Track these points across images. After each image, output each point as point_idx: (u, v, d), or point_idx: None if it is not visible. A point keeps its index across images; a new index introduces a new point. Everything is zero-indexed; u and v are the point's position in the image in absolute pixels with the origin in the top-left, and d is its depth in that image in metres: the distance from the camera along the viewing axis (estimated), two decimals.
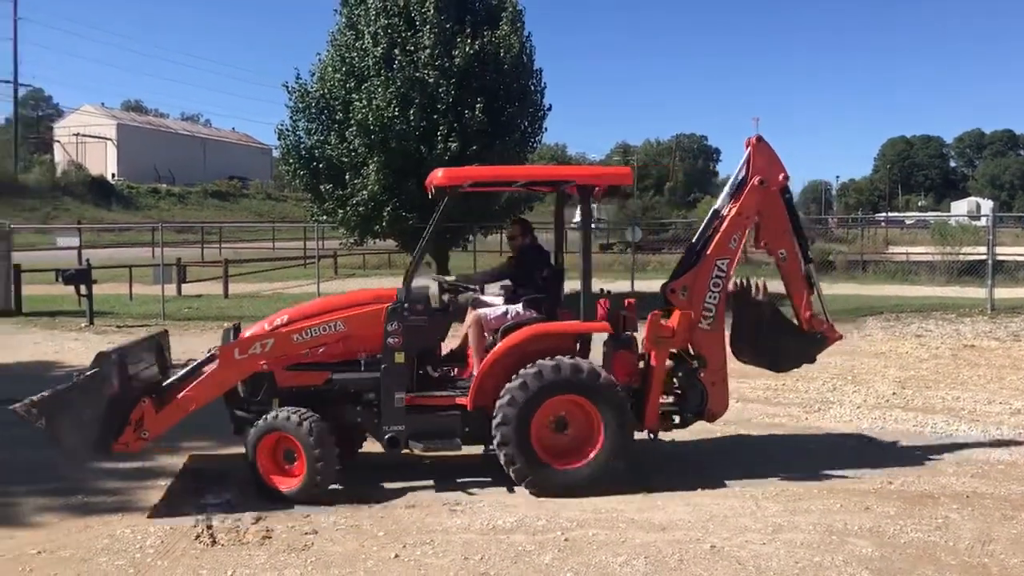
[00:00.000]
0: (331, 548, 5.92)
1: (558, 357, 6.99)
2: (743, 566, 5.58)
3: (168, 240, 26.15)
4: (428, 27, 17.66)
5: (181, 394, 6.99)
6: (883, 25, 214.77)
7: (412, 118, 17.41)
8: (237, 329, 7.54)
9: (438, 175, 7.35)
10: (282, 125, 19.20)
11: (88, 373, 6.62)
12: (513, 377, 6.96)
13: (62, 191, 63.11)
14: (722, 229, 7.65)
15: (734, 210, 7.66)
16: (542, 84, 20.01)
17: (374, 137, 17.61)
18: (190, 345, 14.97)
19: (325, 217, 19.59)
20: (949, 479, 7.39)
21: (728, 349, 7.79)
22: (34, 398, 6.31)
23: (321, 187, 18.76)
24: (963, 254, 27.37)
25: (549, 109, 20.27)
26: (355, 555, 5.80)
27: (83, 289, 18.04)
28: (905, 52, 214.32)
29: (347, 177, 18.22)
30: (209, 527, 6.26)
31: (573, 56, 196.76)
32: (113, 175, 72.79)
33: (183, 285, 24.21)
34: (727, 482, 7.35)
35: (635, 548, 5.86)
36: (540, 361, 6.96)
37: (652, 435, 7.62)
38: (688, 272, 7.62)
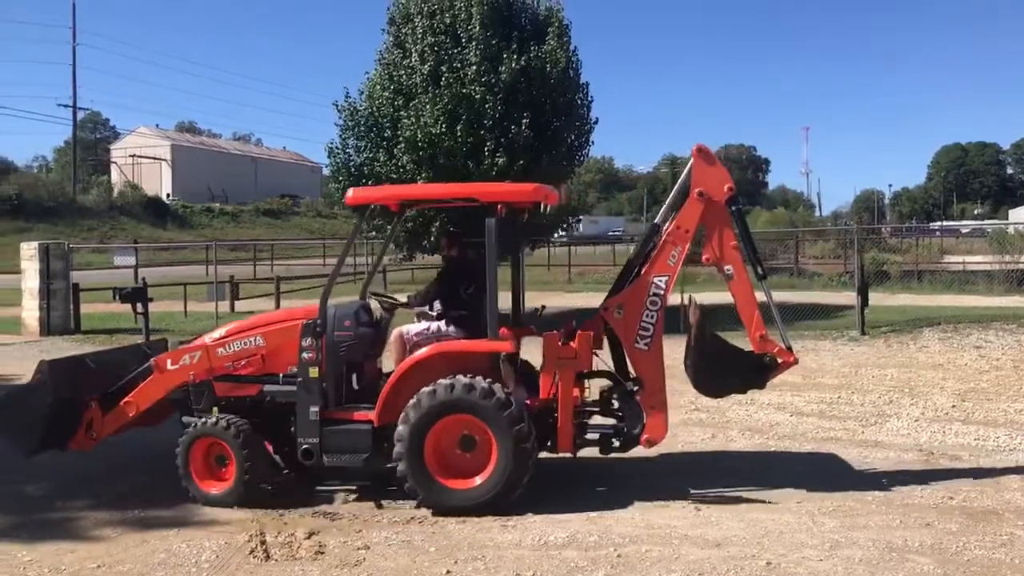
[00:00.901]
0: (383, 564, 5.93)
1: (458, 376, 6.90)
2: None
3: (221, 258, 26.56)
4: (474, 44, 17.74)
5: (124, 400, 7.59)
6: (936, 31, 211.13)
7: (459, 134, 17.48)
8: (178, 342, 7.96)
9: (348, 194, 7.58)
10: (332, 143, 19.41)
11: (30, 380, 7.55)
12: (414, 395, 6.97)
13: (119, 211, 64.56)
14: (660, 244, 7.35)
15: (672, 224, 7.37)
16: (589, 97, 19.97)
17: (422, 154, 17.71)
18: None
19: (374, 233, 19.73)
20: (1013, 494, 7.18)
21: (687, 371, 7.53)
22: None
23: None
24: (1022, 262, 26.71)
25: (596, 122, 20.23)
26: (407, 571, 5.80)
27: (140, 307, 18.30)
28: (959, 58, 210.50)
29: None
30: (263, 542, 6.32)
31: (620, 68, 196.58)
32: (168, 195, 74.27)
33: (236, 302, 24.55)
34: (782, 497, 7.23)
35: (689, 565, 5.78)
36: (442, 380, 6.90)
37: (572, 455, 7.43)
38: (624, 290, 7.38)
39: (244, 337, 7.56)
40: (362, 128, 19.08)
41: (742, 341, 7.48)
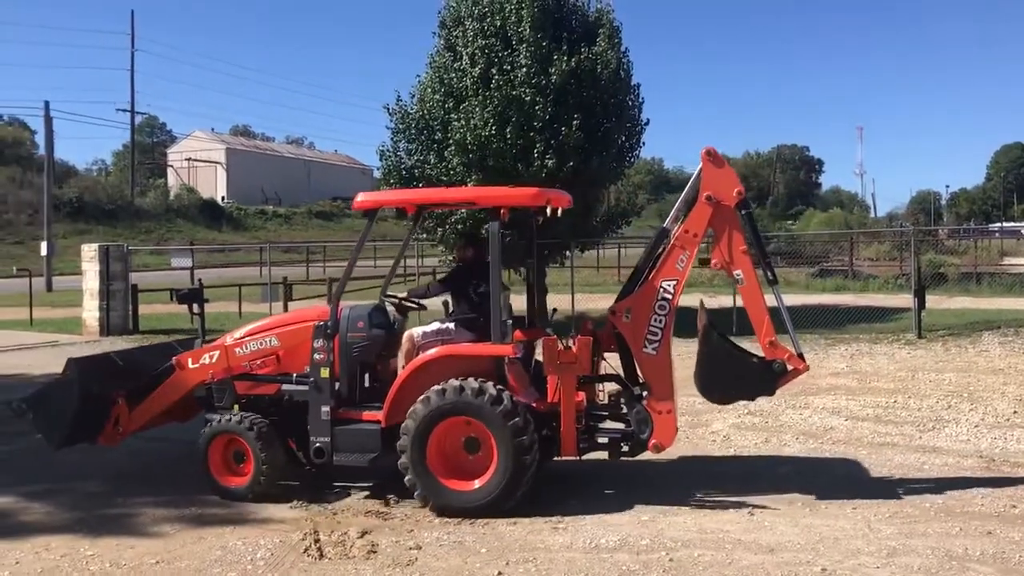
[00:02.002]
0: (435, 564, 5.97)
1: (461, 379, 6.93)
2: None
3: (274, 259, 26.93)
4: (525, 46, 17.75)
5: (148, 397, 7.87)
6: (995, 26, 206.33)
7: (509, 136, 17.51)
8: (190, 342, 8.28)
9: (357, 199, 7.71)
10: (383, 146, 19.55)
11: (59, 376, 7.79)
12: (421, 396, 7.01)
13: (175, 213, 65.83)
14: (669, 249, 7.27)
15: (681, 228, 7.28)
16: (640, 99, 19.86)
17: (472, 156, 17.78)
18: None
19: (425, 235, 19.85)
20: None
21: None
22: (25, 396, 7.97)
23: None
24: None
25: (647, 124, 20.11)
26: (458, 571, 5.83)
27: (196, 308, 18.58)
28: (1019, 55, 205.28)
29: None
30: (317, 540, 6.40)
31: (671, 69, 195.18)
32: (223, 197, 75.54)
33: (290, 303, 24.86)
34: (837, 502, 7.12)
35: (742, 570, 5.73)
36: (451, 382, 6.93)
37: (578, 458, 7.36)
38: (632, 294, 7.31)
39: (260, 338, 7.80)
40: (413, 131, 19.21)
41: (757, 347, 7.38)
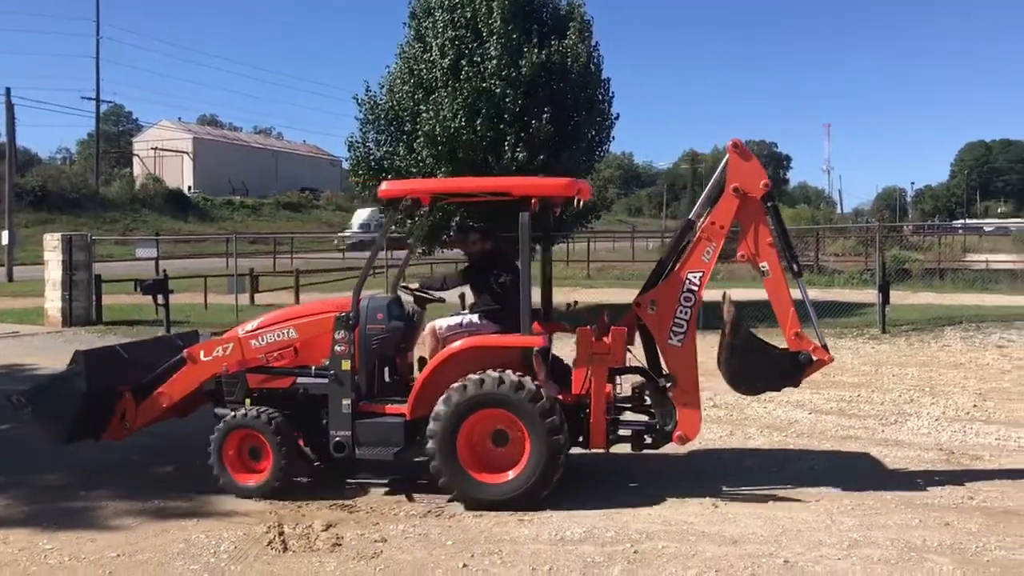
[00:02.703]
0: (400, 557, 5.96)
1: (490, 371, 6.90)
2: None
3: (241, 251, 26.70)
4: (495, 38, 17.72)
5: (156, 391, 7.60)
6: (960, 27, 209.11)
7: (479, 128, 17.48)
8: (207, 334, 8.06)
9: (382, 187, 7.52)
10: (352, 137, 19.44)
11: (68, 368, 7.48)
12: (448, 389, 6.95)
13: (141, 203, 65.00)
14: (694, 240, 7.29)
15: (707, 220, 7.29)
16: (610, 93, 19.91)
17: (442, 148, 17.73)
18: None
19: (394, 228, 19.77)
20: None
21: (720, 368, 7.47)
22: (25, 389, 7.65)
23: None
24: None
25: (617, 118, 20.15)
26: (423, 564, 5.82)
27: (160, 299, 18.50)
28: (983, 54, 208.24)
29: None
30: (281, 533, 6.36)
31: (641, 64, 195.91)
32: (189, 188, 74.73)
33: (256, 294, 24.67)
34: (800, 495, 7.19)
35: (706, 562, 5.77)
36: (477, 374, 6.89)
37: (605, 451, 7.37)
38: (658, 286, 7.32)
39: (277, 329, 7.55)
40: (382, 122, 19.12)
41: (778, 339, 7.42)
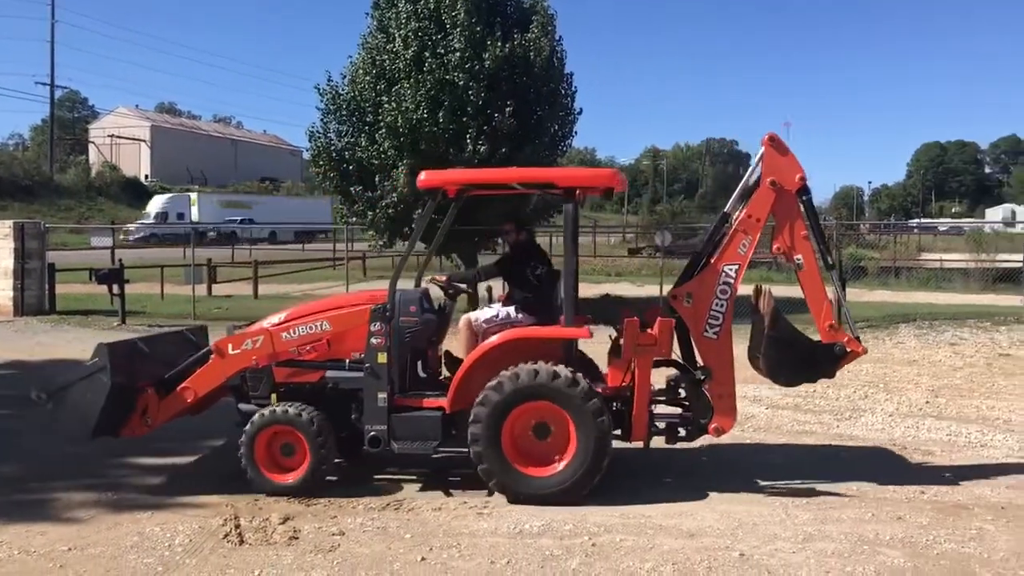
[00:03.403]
0: (358, 550, 5.92)
1: (539, 363, 6.87)
2: (772, 575, 5.52)
3: (199, 241, 26.34)
4: (458, 30, 17.67)
5: (181, 386, 7.32)
6: (917, 29, 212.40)
7: (442, 120, 17.43)
8: (233, 326, 7.76)
9: (421, 177, 7.40)
10: (313, 127, 19.31)
11: (91, 362, 7.06)
12: (491, 381, 6.90)
13: (96, 191, 64.02)
14: (730, 233, 7.31)
15: (744, 213, 7.32)
16: (573, 88, 19.95)
17: (403, 139, 17.65)
18: None
19: (355, 219, 19.65)
20: (983, 489, 7.27)
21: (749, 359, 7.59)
22: (45, 385, 7.14)
23: (351, 189, 18.82)
24: (998, 261, 27.02)
25: (580, 113, 20.22)
26: (382, 557, 5.80)
27: (116, 288, 18.25)
28: (939, 56, 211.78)
29: (377, 179, 18.27)
30: (237, 526, 6.30)
31: (603, 59, 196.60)
32: (147, 176, 73.79)
33: (214, 285, 24.42)
34: (756, 489, 7.28)
35: (663, 555, 5.82)
36: (519, 365, 6.86)
37: (644, 446, 7.43)
38: (694, 278, 7.35)
39: (310, 321, 7.35)
40: (344, 112, 18.99)
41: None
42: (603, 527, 6.31)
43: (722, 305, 7.21)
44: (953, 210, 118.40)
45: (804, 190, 7.34)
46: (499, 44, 17.74)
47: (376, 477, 7.52)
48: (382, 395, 7.09)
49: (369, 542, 6.07)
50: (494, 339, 7.12)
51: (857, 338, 7.40)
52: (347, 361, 7.27)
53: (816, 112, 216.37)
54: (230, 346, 7.34)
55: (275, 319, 7.53)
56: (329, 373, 7.33)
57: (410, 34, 18.01)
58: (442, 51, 17.77)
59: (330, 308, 7.50)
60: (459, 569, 5.61)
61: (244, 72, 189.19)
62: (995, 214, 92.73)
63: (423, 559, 5.76)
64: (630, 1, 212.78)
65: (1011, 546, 6.00)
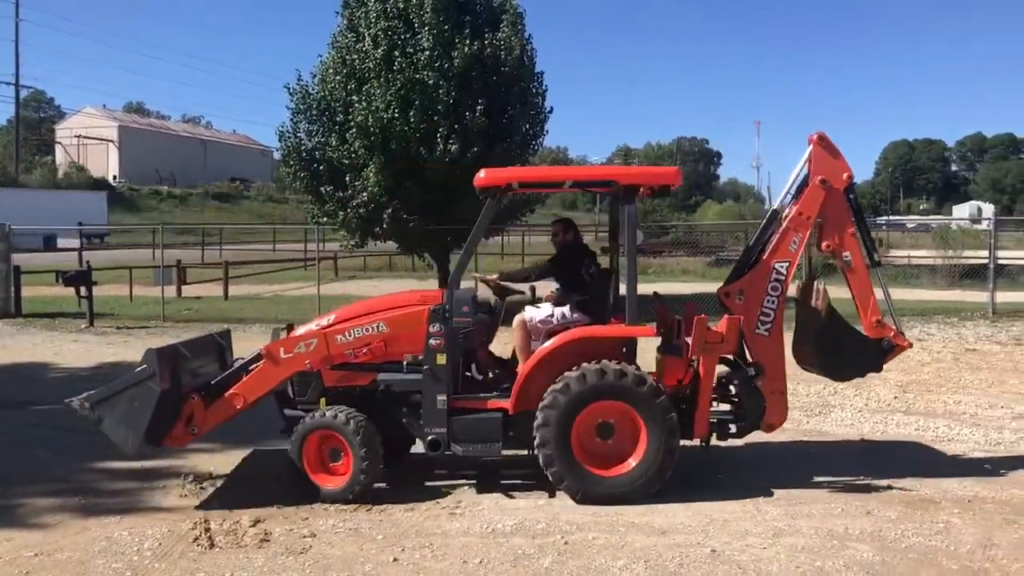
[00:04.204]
0: (329, 551, 5.89)
1: (603, 361, 6.85)
2: (743, 570, 5.55)
3: (168, 242, 26.14)
4: (427, 29, 17.65)
5: (229, 391, 7.08)
6: (884, 29, 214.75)
7: (412, 120, 17.39)
8: (290, 329, 7.46)
9: (480, 175, 7.26)
10: (283, 127, 19.20)
11: (139, 369, 6.74)
12: (557, 380, 6.85)
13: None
14: (781, 231, 7.36)
15: (794, 211, 7.38)
16: (543, 87, 19.97)
17: (374, 139, 17.59)
18: None
19: (326, 219, 19.55)
20: (951, 483, 7.35)
21: (792, 355, 7.63)
22: (87, 394, 6.72)
23: (322, 189, 18.74)
24: (965, 258, 27.37)
25: (551, 112, 20.24)
26: (353, 558, 5.77)
27: (83, 291, 18.05)
28: (906, 56, 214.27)
29: (347, 179, 18.20)
30: (207, 529, 6.24)
31: (575, 59, 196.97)
32: (115, 177, 72.96)
33: (183, 287, 24.20)
34: (727, 485, 7.32)
35: (635, 552, 5.83)
36: (584, 365, 6.82)
37: (703, 444, 7.44)
38: (745, 275, 7.38)
39: (365, 323, 7.16)
40: (314, 112, 18.92)
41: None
42: (576, 525, 6.32)
43: (773, 302, 7.30)
44: (921, 207, 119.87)
45: (850, 188, 7.47)
46: (468, 43, 17.73)
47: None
48: (442, 397, 7.01)
49: (341, 543, 6.04)
50: (558, 339, 7.07)
51: (901, 333, 7.56)
52: (404, 363, 7.15)
53: (786, 111, 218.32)
54: (282, 350, 7.12)
55: (323, 321, 7.35)
56: (382, 376, 7.20)
57: (379, 33, 17.96)
58: (411, 50, 17.74)
59: (383, 309, 7.34)
60: (431, 569, 5.60)
61: (214, 71, 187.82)
62: (962, 211, 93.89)
63: (395, 560, 5.74)
64: (599, 0, 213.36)
65: (977, 539, 6.08)
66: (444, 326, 7.01)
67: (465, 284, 7.46)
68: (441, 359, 7.00)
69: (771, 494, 7.03)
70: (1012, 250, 35.66)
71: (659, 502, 6.84)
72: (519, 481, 7.39)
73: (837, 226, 7.44)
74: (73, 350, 14.88)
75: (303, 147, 18.97)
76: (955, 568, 5.61)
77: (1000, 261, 22.04)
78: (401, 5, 18.05)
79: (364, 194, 17.93)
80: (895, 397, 10.86)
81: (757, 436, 9.00)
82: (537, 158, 23.54)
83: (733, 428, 7.44)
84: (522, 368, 7.13)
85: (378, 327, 7.15)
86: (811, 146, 7.46)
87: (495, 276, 7.93)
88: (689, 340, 7.09)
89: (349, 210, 18.39)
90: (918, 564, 5.66)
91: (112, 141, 77.49)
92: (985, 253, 21.09)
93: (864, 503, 6.82)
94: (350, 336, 7.14)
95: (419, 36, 17.75)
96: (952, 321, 17.45)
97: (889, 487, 7.25)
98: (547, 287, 7.96)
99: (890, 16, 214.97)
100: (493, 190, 7.27)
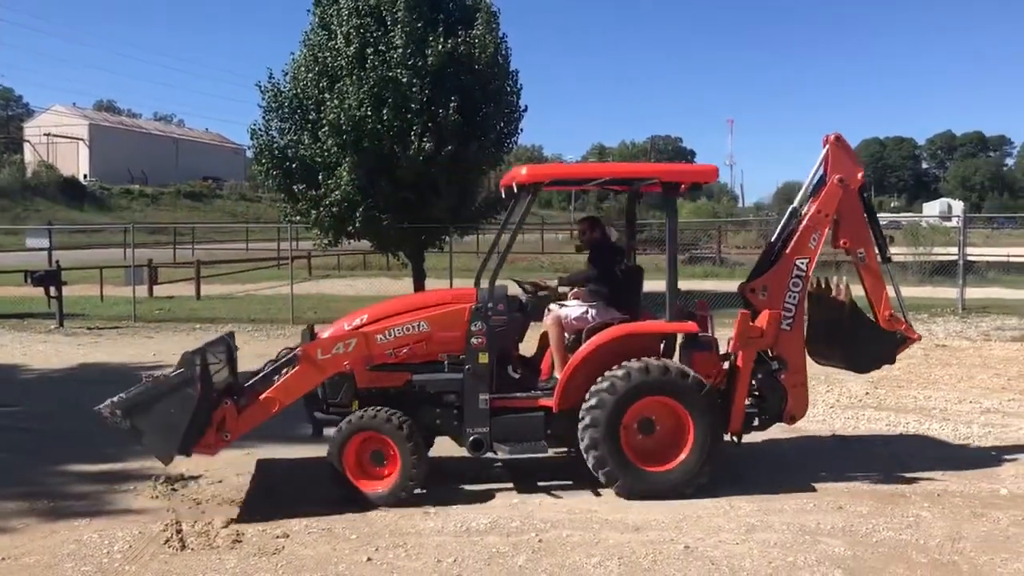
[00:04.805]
0: (303, 552, 5.85)
1: (646, 358, 6.89)
2: (716, 566, 5.58)
3: (140, 241, 25.91)
4: (399, 27, 17.58)
5: (264, 395, 6.89)
6: (855, 27, 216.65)
7: (385, 118, 17.32)
8: (311, 329, 7.30)
9: (522, 172, 7.21)
10: (255, 125, 19.07)
11: (175, 373, 6.52)
12: (599, 379, 6.84)
13: (32, 191, 62.44)
14: (801, 228, 7.51)
15: (813, 209, 7.54)
16: (518, 85, 19.96)
17: (346, 137, 17.51)
18: (163, 347, 14.84)
19: (299, 218, 19.45)
20: (921, 478, 7.42)
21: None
22: (116, 400, 6.40)
23: (294, 187, 18.62)
24: (934, 255, 27.66)
25: (525, 110, 20.23)
26: (327, 559, 5.73)
27: (53, 291, 17.83)
28: (877, 54, 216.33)
29: (320, 177, 18.10)
30: (179, 531, 6.18)
31: (550, 58, 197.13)
32: (85, 176, 72.14)
33: (155, 287, 23.98)
34: (700, 482, 7.32)
35: (609, 549, 5.84)
36: (628, 362, 6.84)
37: (736, 438, 7.48)
38: (767, 271, 7.52)
39: (405, 322, 7.05)
40: (286, 110, 18.81)
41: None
42: (550, 523, 6.32)
43: (795, 298, 7.45)
44: (892, 205, 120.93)
45: (864, 187, 7.68)
46: (442, 40, 17.68)
47: (322, 479, 7.43)
48: (484, 397, 6.95)
49: (314, 544, 6.00)
50: (602, 336, 7.06)
51: (911, 326, 7.80)
52: (445, 362, 7.09)
53: (758, 110, 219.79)
54: (319, 351, 6.93)
55: (355, 321, 7.20)
56: (419, 376, 7.09)
57: (352, 31, 17.88)
58: (384, 48, 17.68)
59: (421, 308, 7.26)
60: (405, 569, 5.58)
61: (185, 69, 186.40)
62: (932, 208, 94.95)
63: (369, 559, 5.71)
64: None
65: (946, 532, 6.15)
66: (485, 325, 6.98)
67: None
68: (484, 358, 6.96)
69: (744, 490, 7.06)
70: (980, 247, 36.15)
71: (633, 499, 6.85)
72: (492, 486, 7.39)
73: (853, 223, 7.65)
74: (42, 351, 14.70)
75: (275, 145, 18.84)
76: (924, 561, 5.66)
77: (969, 258, 22.32)
78: (373, 2, 17.98)
79: (337, 192, 17.84)
80: (867, 393, 10.95)
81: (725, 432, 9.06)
82: (512, 156, 23.55)
83: (756, 421, 7.56)
84: (560, 366, 7.14)
85: (419, 326, 7.06)
86: (827, 146, 7.65)
87: (554, 282, 7.96)
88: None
89: (322, 208, 18.30)
90: (888, 558, 5.71)
91: (82, 139, 76.58)
92: (955, 250, 21.33)
93: (836, 498, 6.88)
94: (390, 336, 7.04)
95: (392, 34, 17.69)
96: (922, 317, 17.64)
97: (860, 482, 7.31)
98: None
99: (861, 15, 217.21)
100: (533, 186, 7.26)
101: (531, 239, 50.80)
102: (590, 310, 7.41)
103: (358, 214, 18.01)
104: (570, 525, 6.29)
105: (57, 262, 19.87)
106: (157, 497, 7.04)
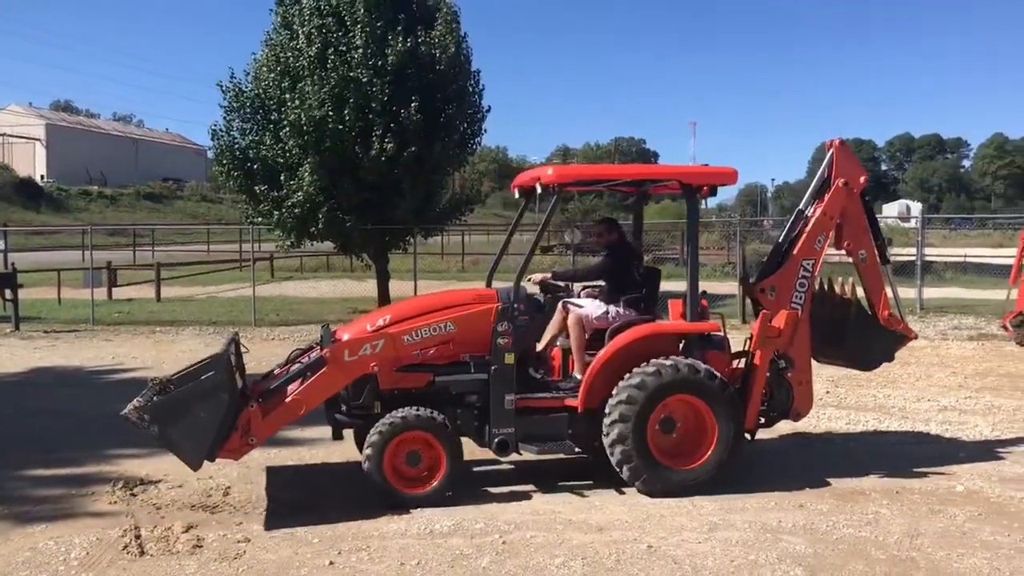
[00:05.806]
0: (264, 556, 5.79)
1: (672, 357, 6.98)
2: (679, 565, 5.60)
3: (98, 243, 25.53)
4: (359, 27, 17.50)
5: (289, 398, 6.75)
6: (815, 31, 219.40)
7: (347, 118, 17.22)
8: (327, 329, 7.13)
9: (548, 172, 7.25)
10: (216, 125, 18.86)
11: (204, 377, 6.44)
12: (628, 375, 6.88)
13: None
14: (807, 230, 7.68)
15: (819, 211, 7.71)
16: (480, 85, 19.93)
17: (308, 138, 17.39)
18: (121, 350, 14.64)
19: (260, 219, 19.27)
20: (880, 475, 7.52)
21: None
22: (141, 404, 6.24)
23: (256, 188, 18.45)
24: (893, 255, 28.00)
25: (488, 111, 20.20)
26: (289, 563, 5.68)
27: (8, 294, 17.53)
28: (838, 58, 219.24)
29: (282, 178, 17.95)
30: (137, 536, 6.09)
31: (513, 59, 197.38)
32: (42, 176, 70.87)
33: (114, 289, 23.62)
34: None
35: (573, 549, 5.85)
36: (656, 360, 6.90)
37: (750, 436, 7.55)
38: (775, 272, 7.65)
39: (432, 323, 6.99)
40: (247, 110, 18.64)
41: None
42: (514, 524, 6.32)
43: (801, 297, 7.61)
44: None
45: (865, 191, 7.86)
46: (402, 40, 17.61)
47: (290, 483, 7.36)
48: (510, 397, 6.93)
49: (276, 548, 5.94)
50: (626, 335, 7.09)
51: (908, 325, 8.07)
52: (471, 363, 7.03)
53: (721, 112, 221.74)
54: (346, 352, 6.82)
55: (380, 322, 7.08)
56: (441, 376, 7.02)
57: (313, 31, 17.77)
58: (345, 48, 17.58)
59: (445, 308, 7.18)
60: (368, 572, 5.54)
61: (145, 69, 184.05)
62: (891, 209, 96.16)
63: (331, 563, 5.66)
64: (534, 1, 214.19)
65: (904, 528, 6.23)
66: (511, 325, 6.97)
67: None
68: (510, 358, 6.95)
69: (706, 490, 7.09)
70: (938, 247, 36.71)
71: (597, 500, 6.88)
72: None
73: (855, 226, 7.87)
74: None
75: (236, 146, 18.66)
76: (883, 557, 5.73)
77: (927, 258, 22.67)
78: (334, 2, 17.87)
79: (299, 193, 17.71)
80: (827, 392, 11.07)
81: None
82: (476, 158, 23.51)
83: (763, 419, 7.67)
84: (581, 366, 7.18)
85: (445, 327, 7.02)
86: (832, 151, 7.83)
87: (548, 275, 7.93)
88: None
89: (284, 210, 18.15)
90: (848, 555, 5.78)
91: (39, 140, 75.26)
92: (913, 250, 21.63)
93: (797, 496, 6.95)
94: (417, 336, 6.98)
95: (352, 34, 17.59)
96: None
97: (821, 480, 7.39)
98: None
99: (821, 18, 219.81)
100: (558, 187, 7.26)
101: (497, 240, 50.89)
102: (611, 309, 7.45)
103: (320, 215, 17.89)
104: (534, 526, 6.29)
105: (13, 264, 19.51)
106: (116, 502, 6.93)
